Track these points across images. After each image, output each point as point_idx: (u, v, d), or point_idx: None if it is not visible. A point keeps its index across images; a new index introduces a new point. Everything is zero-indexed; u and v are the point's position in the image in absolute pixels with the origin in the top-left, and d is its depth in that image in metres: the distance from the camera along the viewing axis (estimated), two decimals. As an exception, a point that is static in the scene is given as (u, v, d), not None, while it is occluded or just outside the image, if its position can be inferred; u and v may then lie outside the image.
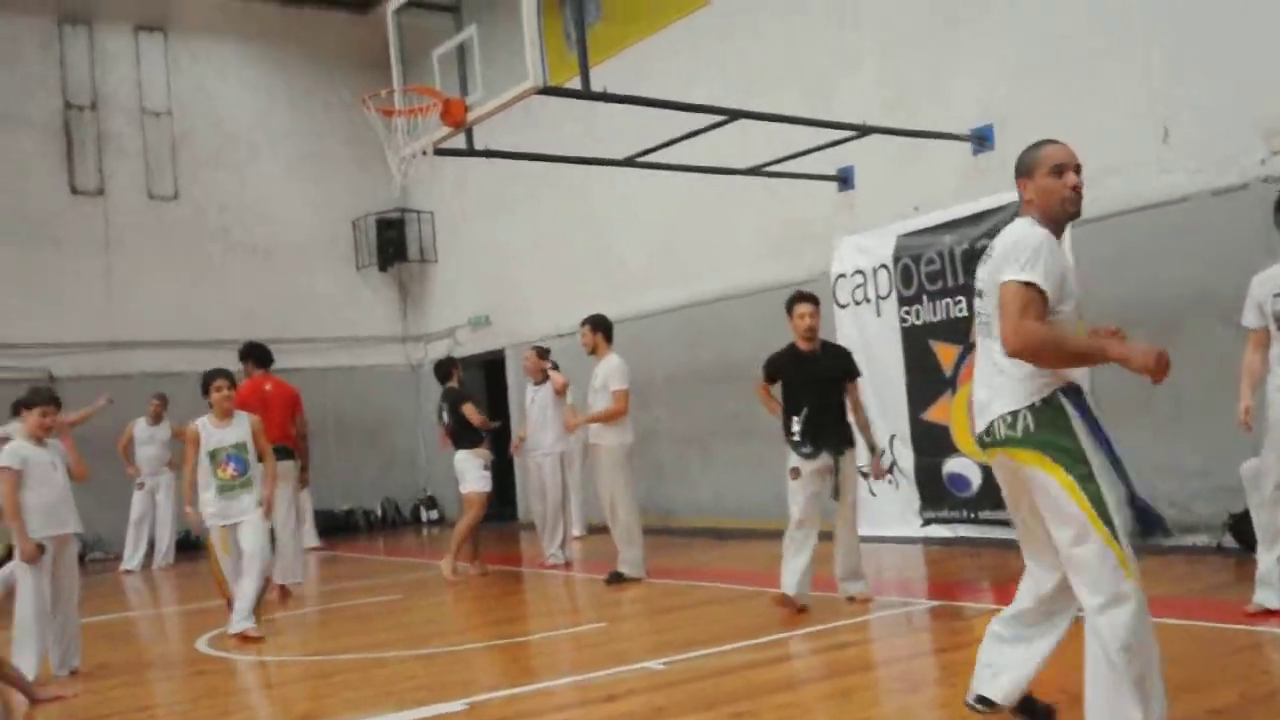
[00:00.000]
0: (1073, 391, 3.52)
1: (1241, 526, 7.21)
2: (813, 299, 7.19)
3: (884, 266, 10.45)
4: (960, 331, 9.79)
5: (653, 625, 7.22)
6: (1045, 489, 3.47)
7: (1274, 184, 7.75)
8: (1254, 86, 7.98)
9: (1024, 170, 3.72)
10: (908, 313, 10.28)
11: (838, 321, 10.71)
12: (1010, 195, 9.25)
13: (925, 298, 10.11)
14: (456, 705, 5.09)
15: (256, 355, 10.05)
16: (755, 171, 10.26)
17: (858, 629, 6.39)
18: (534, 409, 10.54)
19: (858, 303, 10.67)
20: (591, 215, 14.33)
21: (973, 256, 9.64)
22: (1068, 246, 3.88)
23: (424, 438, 16.90)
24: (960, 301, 9.80)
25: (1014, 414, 3.51)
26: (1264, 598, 5.65)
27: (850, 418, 7.17)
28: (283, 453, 9.21)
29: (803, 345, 7.14)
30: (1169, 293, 8.25)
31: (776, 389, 7.31)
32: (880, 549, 9.40)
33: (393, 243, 17.59)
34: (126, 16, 16.42)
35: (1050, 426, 3.47)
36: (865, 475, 7.84)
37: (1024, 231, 3.55)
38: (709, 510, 12.46)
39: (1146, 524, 3.76)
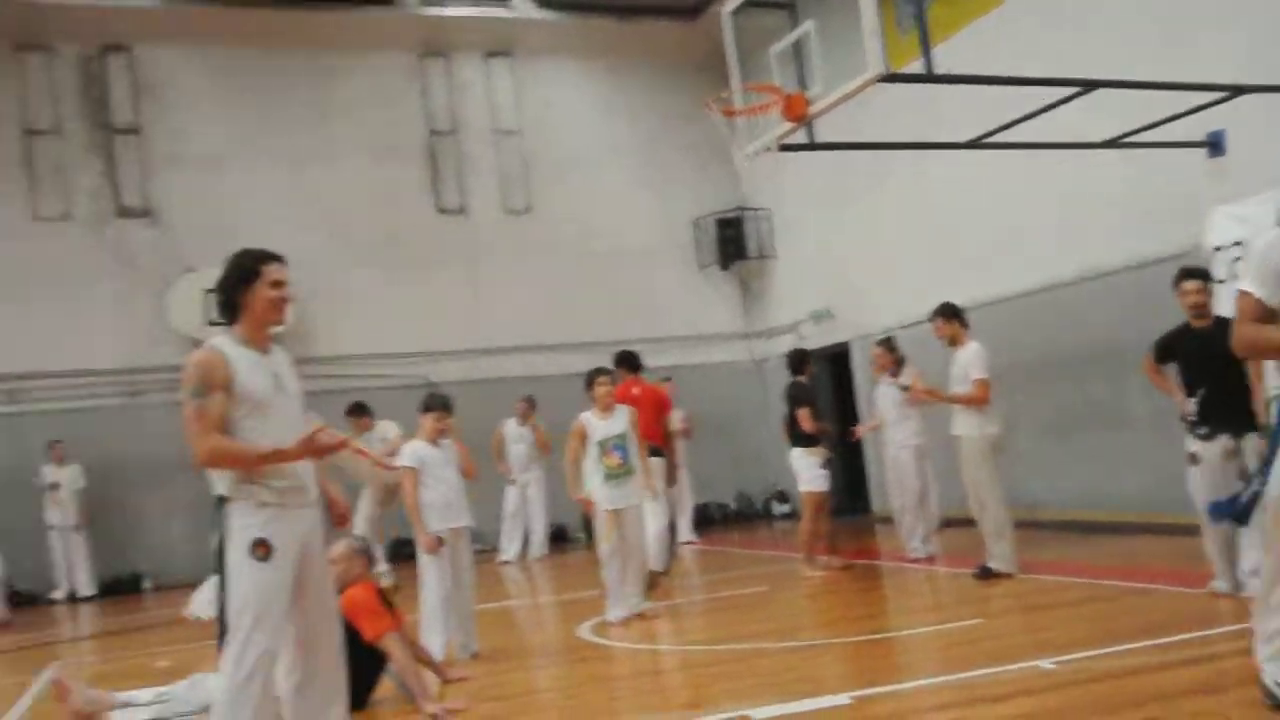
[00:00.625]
0: None
1: None
2: (1201, 273, 6.95)
3: (1268, 235, 9.59)
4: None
5: (1031, 622, 6.95)
6: None
7: None
8: None
9: None
10: (1296, 288, 9.38)
11: (1217, 298, 9.90)
12: None
13: (1317, 268, 9.18)
14: (841, 699, 5.11)
15: (627, 361, 10.57)
16: (1113, 144, 9.65)
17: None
18: (886, 402, 10.43)
19: (1237, 277, 9.83)
20: (931, 202, 13.98)
21: (1376, 218, 8.68)
22: None
23: (770, 432, 17.03)
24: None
25: None
26: None
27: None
28: (653, 451, 9.60)
29: (1195, 323, 6.84)
30: None
31: (1169, 370, 6.99)
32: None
33: (732, 241, 17.88)
34: (478, 45, 17.56)
35: None
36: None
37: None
38: (1073, 503, 11.86)
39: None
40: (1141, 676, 5.02)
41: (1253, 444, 6.50)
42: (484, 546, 15.17)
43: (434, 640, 7.02)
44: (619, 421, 8.23)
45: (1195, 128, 9.79)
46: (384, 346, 16.02)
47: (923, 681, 5.53)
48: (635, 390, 10.25)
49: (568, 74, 18.13)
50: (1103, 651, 5.51)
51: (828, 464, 10.21)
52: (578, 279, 17.32)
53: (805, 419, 10.03)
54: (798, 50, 8.45)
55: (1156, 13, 10.65)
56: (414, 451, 7.34)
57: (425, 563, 7.19)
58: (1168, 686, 4.81)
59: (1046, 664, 5.37)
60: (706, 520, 16.82)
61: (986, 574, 8.56)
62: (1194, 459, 6.64)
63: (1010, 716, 4.63)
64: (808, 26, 8.37)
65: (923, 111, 11.80)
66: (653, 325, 17.01)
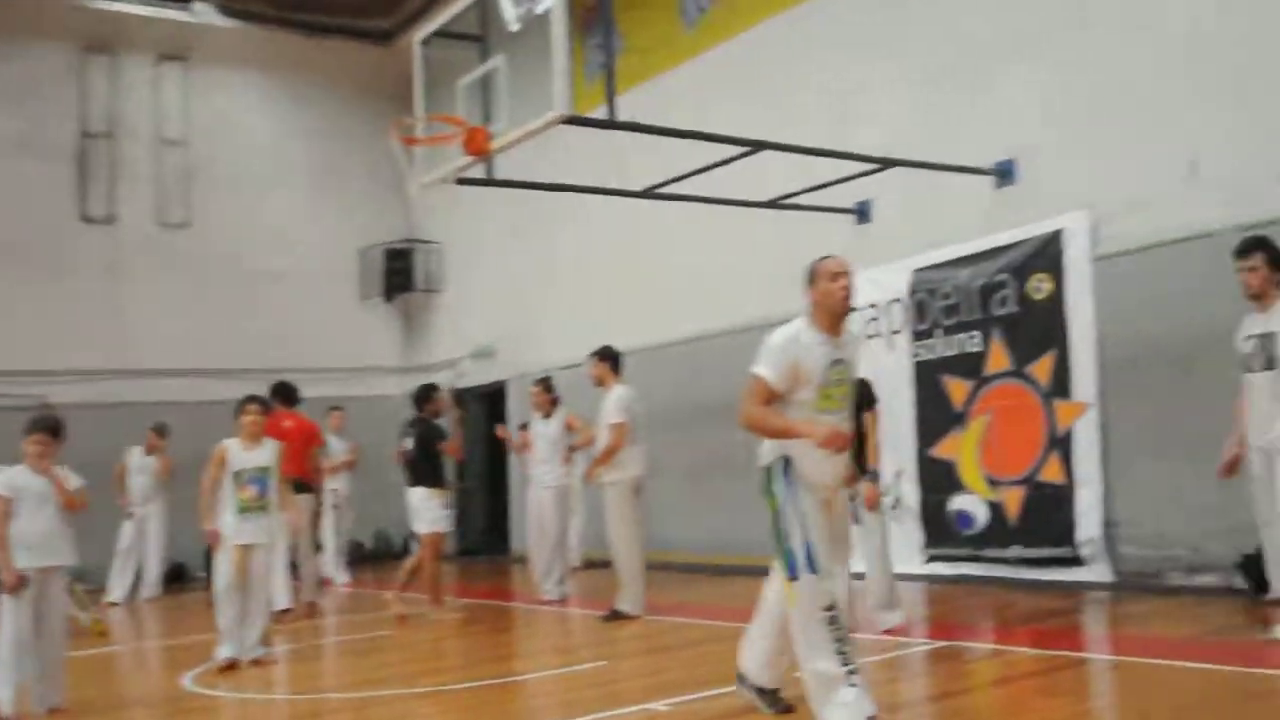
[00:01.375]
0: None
1: (1252, 567, 6.95)
2: None
3: (898, 300, 10.25)
4: (974, 367, 9.57)
5: (653, 664, 6.92)
6: None
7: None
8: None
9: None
10: (920, 347, 10.06)
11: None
12: (1035, 228, 9.15)
13: (940, 332, 9.88)
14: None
15: (283, 393, 10.41)
16: (773, 204, 10.07)
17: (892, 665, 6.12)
18: (540, 442, 10.32)
19: (870, 336, 10.43)
20: (605, 246, 14.14)
21: (989, 291, 9.44)
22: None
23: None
24: (975, 336, 9.57)
25: None
26: None
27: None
28: (301, 486, 9.61)
29: None
30: (1189, 329, 8.00)
31: None
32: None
33: (399, 273, 17.47)
34: (150, 46, 16.40)
35: None
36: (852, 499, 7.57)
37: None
38: (706, 546, 12.18)
39: None
40: (750, 715, 5.02)
41: (860, 489, 6.94)
42: (91, 586, 13.90)
43: (3, 691, 6.17)
44: (263, 454, 7.75)
45: (846, 197, 10.36)
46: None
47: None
48: (287, 423, 9.96)
49: (246, 87, 17.28)
50: (717, 692, 5.49)
51: (449, 504, 9.87)
52: (234, 301, 16.39)
53: (453, 449, 9.82)
54: (485, 85, 8.30)
55: (820, 87, 11.21)
56: (8, 479, 6.50)
57: (3, 602, 6.33)
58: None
59: (661, 706, 5.31)
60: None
61: (615, 616, 8.58)
62: None
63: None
64: (497, 61, 8.23)
65: (604, 158, 11.91)
66: (311, 355, 16.25)
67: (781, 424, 4.55)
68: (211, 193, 16.62)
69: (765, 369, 4.56)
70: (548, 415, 10.25)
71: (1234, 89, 8.09)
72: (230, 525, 7.56)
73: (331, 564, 13.28)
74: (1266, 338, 5.85)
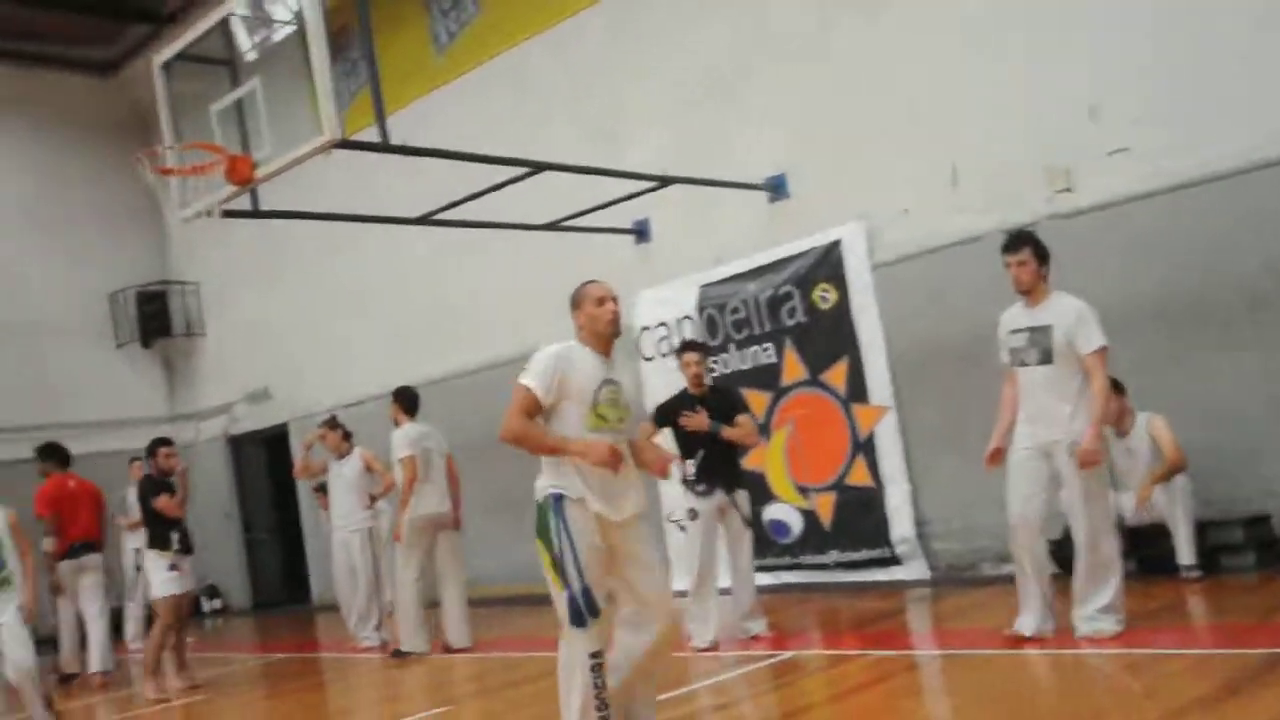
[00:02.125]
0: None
1: (1063, 552, 7.38)
2: (700, 347, 7.73)
3: (688, 317, 10.39)
4: (770, 378, 9.81)
5: (502, 704, 6.76)
6: None
7: (1060, 220, 8.10)
8: (1039, 126, 8.31)
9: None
10: (715, 362, 10.22)
11: (644, 376, 10.55)
12: (813, 240, 9.46)
13: (733, 346, 10.09)
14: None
15: (58, 455, 9.98)
16: (551, 226, 10.00)
17: (724, 689, 6.17)
18: (338, 484, 9.87)
19: (664, 355, 10.54)
20: (370, 278, 13.76)
21: (777, 303, 9.69)
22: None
23: (198, 523, 15.76)
24: (769, 348, 9.81)
25: None
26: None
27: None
28: (93, 548, 9.83)
29: (693, 390, 7.42)
30: (970, 327, 8.34)
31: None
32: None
33: (155, 316, 16.49)
34: None
35: None
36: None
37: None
38: (522, 577, 12.01)
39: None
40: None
41: (742, 497, 7.35)
42: None
43: None
44: None
45: (624, 217, 10.43)
46: None
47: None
48: (71, 484, 9.77)
49: (-43, 124, 15.84)
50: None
51: (177, 565, 8.83)
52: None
53: (168, 505, 8.84)
54: (239, 111, 7.84)
55: (592, 111, 11.26)
56: None
57: None
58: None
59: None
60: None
61: (399, 655, 8.67)
62: (693, 514, 7.28)
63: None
64: (253, 85, 7.77)
65: (360, 184, 11.57)
66: (67, 409, 15.15)
67: (549, 441, 4.44)
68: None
69: (531, 379, 4.45)
70: (343, 456, 9.84)
71: (992, 98, 8.59)
72: None
73: (132, 628, 12.46)
74: (1039, 331, 5.95)
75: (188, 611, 9.16)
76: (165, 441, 9.35)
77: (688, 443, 7.32)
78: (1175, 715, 4.28)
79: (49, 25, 15.33)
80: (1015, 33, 8.48)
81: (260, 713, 7.96)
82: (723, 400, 7.51)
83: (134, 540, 11.87)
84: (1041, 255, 6.00)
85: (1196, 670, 5.02)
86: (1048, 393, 5.92)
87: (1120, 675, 5.21)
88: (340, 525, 9.90)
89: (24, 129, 16.20)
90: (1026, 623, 5.97)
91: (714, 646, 7.11)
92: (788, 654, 6.85)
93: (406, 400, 9.08)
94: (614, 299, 4.68)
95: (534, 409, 4.45)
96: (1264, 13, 7.45)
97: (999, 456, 6.12)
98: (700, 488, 7.25)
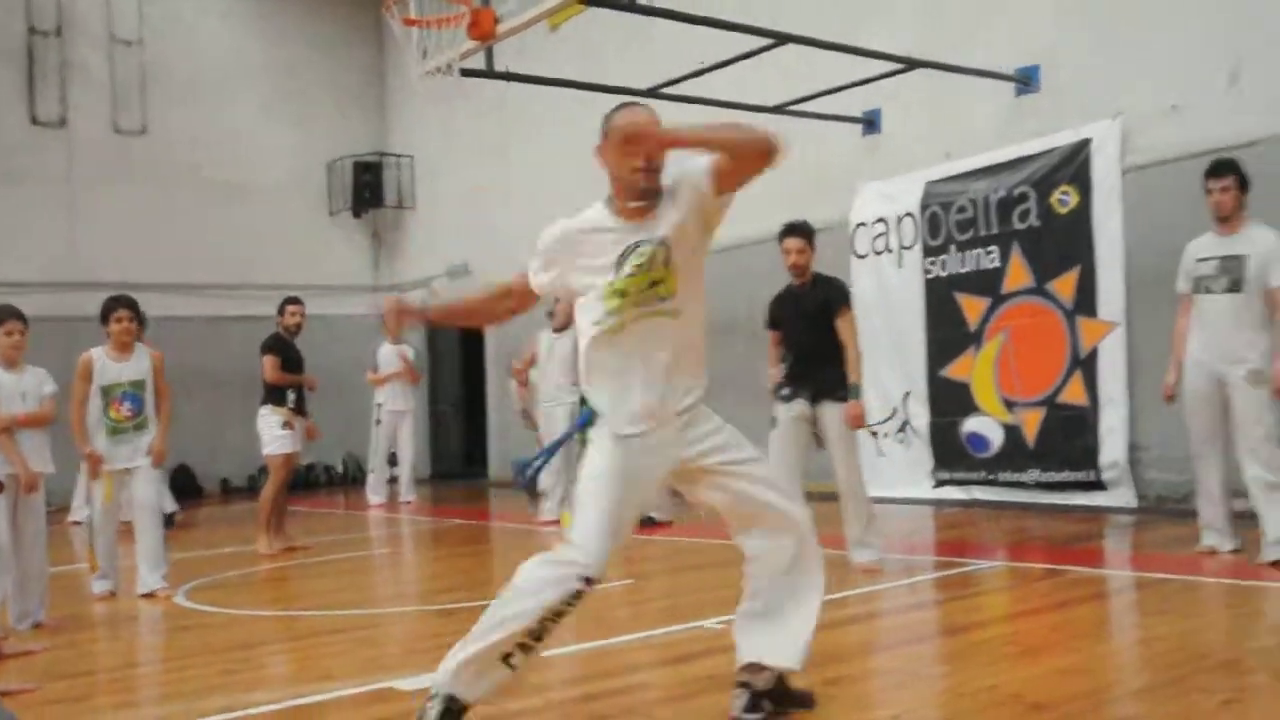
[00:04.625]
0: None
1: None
2: (802, 231, 6.48)
3: (909, 215, 9.89)
4: (990, 284, 9.27)
5: (686, 583, 6.61)
6: None
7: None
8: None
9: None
10: (932, 263, 9.73)
11: (854, 273, 10.14)
12: (1060, 138, 8.80)
13: (953, 248, 9.56)
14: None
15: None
16: (780, 110, 9.58)
17: (886, 596, 5.87)
18: (551, 360, 9.70)
19: (878, 253, 10.10)
20: (585, 157, 13.57)
21: (1009, 204, 9.10)
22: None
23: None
24: (992, 252, 9.25)
25: None
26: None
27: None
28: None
29: (795, 282, 6.53)
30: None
31: None
32: (888, 510, 8.63)
33: (369, 187, 16.78)
34: (103, -64, 15.45)
35: None
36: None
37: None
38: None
39: None
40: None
41: (831, 410, 6.31)
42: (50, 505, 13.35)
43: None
44: (136, 365, 6.84)
45: (853, 105, 9.93)
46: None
47: (604, 642, 4.94)
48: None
49: (203, -17, 16.32)
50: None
51: (290, 424, 8.83)
52: (194, 213, 15.62)
53: (270, 368, 8.85)
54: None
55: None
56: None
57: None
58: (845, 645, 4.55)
59: (713, 624, 4.99)
60: (311, 483, 15.80)
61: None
62: (773, 421, 6.43)
63: (700, 677, 4.19)
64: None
65: (594, 63, 11.37)
66: (277, 270, 15.60)
67: None
68: (169, 98, 15.76)
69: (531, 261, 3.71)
70: (561, 329, 9.65)
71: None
72: (101, 449, 6.73)
73: None
74: (1231, 260, 5.97)
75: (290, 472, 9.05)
76: (294, 300, 9.35)
77: (785, 340, 6.53)
78: None
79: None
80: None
81: (441, 571, 8.04)
82: (822, 291, 6.45)
83: None
84: (1244, 184, 6.07)
85: None
86: (1230, 321, 5.97)
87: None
88: (549, 399, 9.75)
89: (260, -4, 16.62)
90: (1213, 536, 6.23)
91: None
92: (969, 567, 6.50)
93: None
94: (646, 141, 3.39)
95: (524, 295, 3.77)
96: None
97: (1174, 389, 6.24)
98: (784, 392, 6.42)
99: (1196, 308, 6.13)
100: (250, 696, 4.30)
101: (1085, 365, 8.63)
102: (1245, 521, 6.23)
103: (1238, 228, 6.05)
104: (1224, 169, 6.07)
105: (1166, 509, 8.11)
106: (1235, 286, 5.94)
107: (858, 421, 6.36)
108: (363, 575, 7.85)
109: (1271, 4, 7.79)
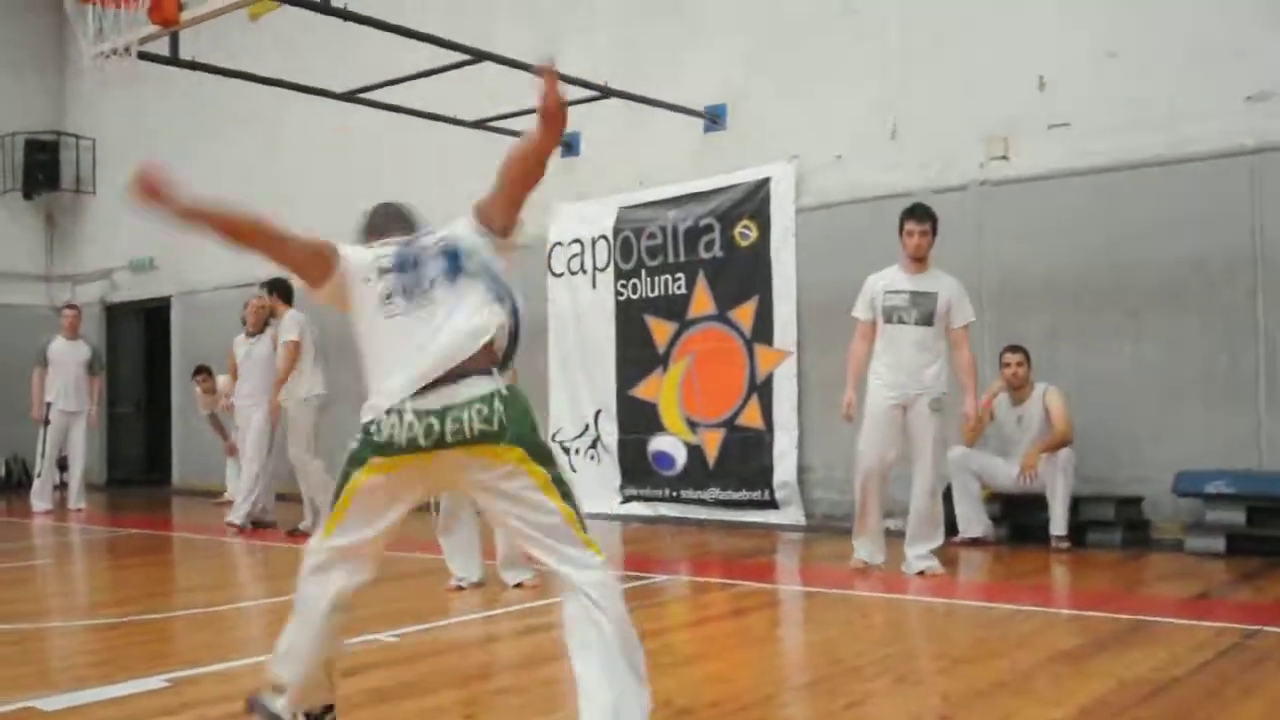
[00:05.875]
0: None
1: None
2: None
3: (604, 237, 10.25)
4: (678, 309, 9.74)
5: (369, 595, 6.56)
6: None
7: (990, 187, 8.15)
8: (979, 93, 8.34)
9: None
10: (624, 286, 10.12)
11: (550, 291, 10.41)
12: (741, 175, 9.37)
13: (644, 272, 9.98)
14: (154, 682, 4.34)
15: None
16: (480, 125, 9.73)
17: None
18: (248, 363, 9.73)
19: (573, 272, 10.41)
20: (283, 156, 13.26)
21: (695, 234, 9.60)
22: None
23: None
24: (680, 279, 9.73)
25: None
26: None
27: None
28: None
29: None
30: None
31: None
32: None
33: (44, 167, 15.65)
34: None
35: None
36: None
37: None
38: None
39: None
40: (480, 648, 4.85)
41: None
42: None
43: None
44: None
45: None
46: None
47: (255, 659, 4.89)
48: None
49: None
50: (441, 624, 5.31)
51: None
52: None
53: None
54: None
55: (540, 9, 10.94)
56: None
57: None
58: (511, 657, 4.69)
59: (389, 637, 5.03)
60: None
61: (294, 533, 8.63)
62: None
63: (364, 690, 4.22)
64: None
65: (297, 61, 11.09)
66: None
67: None
68: None
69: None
70: (258, 333, 9.58)
71: (934, 53, 8.58)
72: None
73: None
74: (922, 296, 6.49)
75: None
76: None
77: None
78: (1048, 663, 4.34)
79: None
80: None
81: (111, 582, 7.64)
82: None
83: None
84: (936, 229, 6.56)
85: (1068, 626, 5.12)
86: (919, 351, 6.44)
87: (1000, 624, 5.28)
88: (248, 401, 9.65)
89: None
90: (865, 551, 6.70)
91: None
92: (652, 579, 6.84)
93: (285, 291, 9.04)
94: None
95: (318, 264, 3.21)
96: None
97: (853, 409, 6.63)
98: None
99: (886, 336, 6.50)
100: None
101: (762, 390, 9.23)
102: (894, 538, 6.86)
103: (926, 267, 6.54)
104: (923, 214, 6.51)
105: (831, 526, 8.77)
106: (927, 320, 6.43)
107: None
108: (17, 588, 7.34)
109: (926, 73, 8.61)
